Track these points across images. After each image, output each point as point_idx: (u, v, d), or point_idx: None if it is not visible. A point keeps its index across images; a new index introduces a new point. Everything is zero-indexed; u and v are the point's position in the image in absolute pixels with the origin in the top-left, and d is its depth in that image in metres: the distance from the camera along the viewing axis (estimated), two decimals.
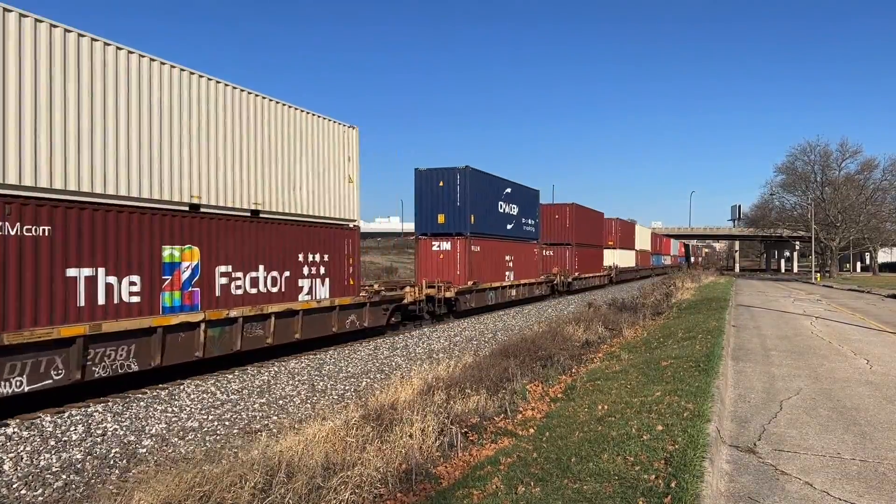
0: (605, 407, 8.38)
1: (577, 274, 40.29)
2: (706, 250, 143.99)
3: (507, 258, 29.91)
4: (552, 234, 39.17)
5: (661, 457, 6.01)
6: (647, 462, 5.91)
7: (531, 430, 7.90)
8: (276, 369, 14.14)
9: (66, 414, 10.11)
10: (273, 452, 6.83)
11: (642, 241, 66.78)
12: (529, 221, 33.31)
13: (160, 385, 12.28)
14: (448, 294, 24.19)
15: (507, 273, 29.81)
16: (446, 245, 25.42)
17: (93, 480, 7.68)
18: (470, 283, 25.34)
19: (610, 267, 50.88)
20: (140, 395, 11.50)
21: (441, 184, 25.43)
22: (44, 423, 9.61)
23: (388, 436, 7.51)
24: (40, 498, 7.20)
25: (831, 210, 62.94)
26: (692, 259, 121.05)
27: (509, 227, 30.38)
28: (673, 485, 5.30)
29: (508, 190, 30.37)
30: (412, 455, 6.94)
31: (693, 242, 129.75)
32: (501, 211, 29.34)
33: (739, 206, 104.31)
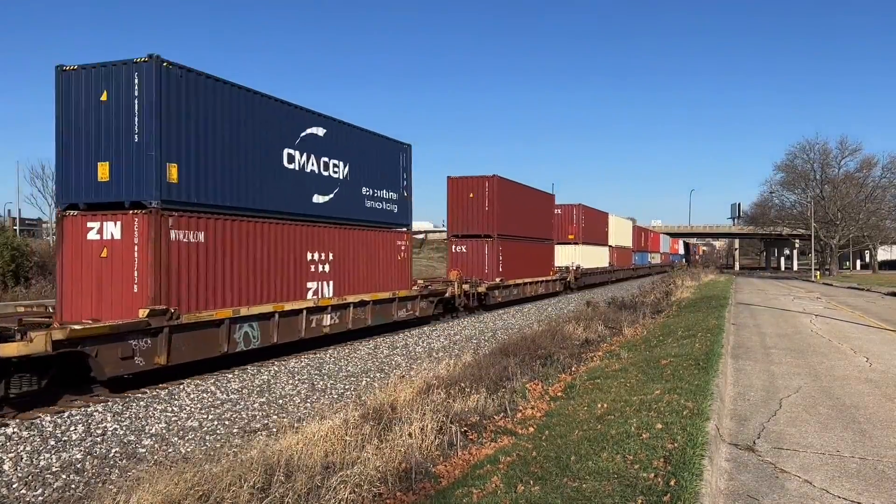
0: (605, 405, 8.38)
1: (499, 280, 28.10)
2: (703, 248, 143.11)
3: (314, 257, 16.25)
4: (464, 221, 28.34)
5: (661, 455, 6.01)
6: (647, 460, 5.90)
7: (531, 429, 7.90)
8: (276, 368, 14.14)
9: (66, 414, 10.11)
10: (273, 452, 6.84)
11: (620, 235, 55.34)
12: (387, 195, 19.98)
13: (160, 384, 12.28)
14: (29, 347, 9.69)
15: (309, 285, 16.01)
16: (114, 228, 12.19)
17: (93, 480, 7.69)
18: (145, 313, 11.55)
19: (566, 268, 39.33)
20: (140, 395, 11.50)
21: (104, 98, 12.40)
22: (43, 422, 9.61)
23: (388, 435, 7.52)
24: (40, 498, 7.20)
25: (831, 208, 62.93)
26: (691, 257, 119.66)
27: (321, 199, 16.72)
28: (672, 483, 5.30)
29: (316, 131, 16.59)
30: (412, 454, 6.94)
31: (693, 241, 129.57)
32: (293, 167, 15.78)
33: (739, 205, 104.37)
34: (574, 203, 42.93)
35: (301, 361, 15.06)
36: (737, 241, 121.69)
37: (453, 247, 28.42)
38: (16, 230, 44.39)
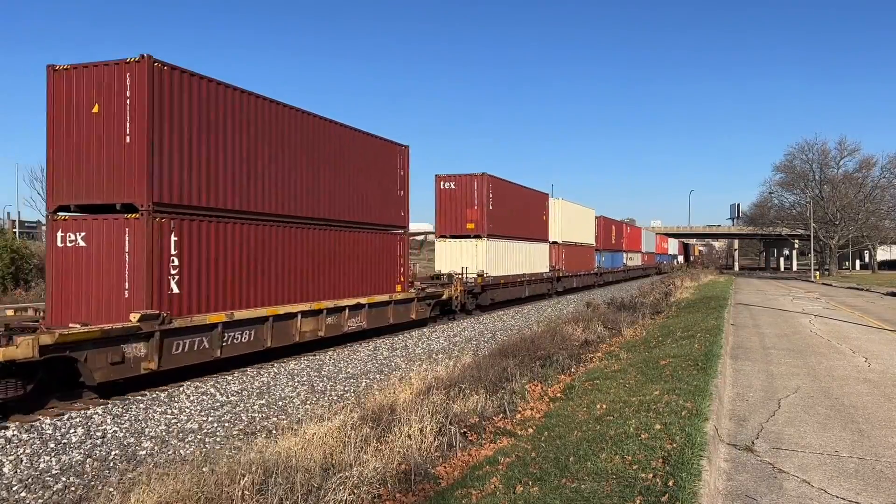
0: (604, 406, 8.40)
1: (152, 317, 11.47)
2: (699, 249, 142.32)
3: None
4: (80, 173, 12.28)
5: (660, 455, 6.02)
6: (645, 461, 5.92)
7: (530, 430, 7.91)
8: (276, 370, 14.15)
9: (66, 416, 10.11)
10: (272, 453, 6.85)
11: (573, 227, 40.94)
12: None
13: (159, 387, 12.28)
14: None
15: None
16: None
17: (93, 483, 7.69)
18: None
19: (447, 278, 25.32)
20: (139, 397, 11.51)
21: None
22: (43, 425, 9.62)
23: (387, 436, 7.53)
24: (40, 500, 7.21)
25: (830, 208, 62.99)
26: (689, 257, 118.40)
27: None
28: (671, 483, 5.31)
29: None
30: (411, 455, 6.95)
31: (693, 241, 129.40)
32: None
33: (738, 205, 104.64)
34: (476, 173, 27.09)
35: (301, 363, 15.08)
36: (736, 242, 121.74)
37: (59, 236, 12.41)
38: (15, 233, 44.36)
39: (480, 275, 26.48)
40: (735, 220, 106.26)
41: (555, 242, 37.03)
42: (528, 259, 32.44)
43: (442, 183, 27.39)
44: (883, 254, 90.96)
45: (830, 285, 46.34)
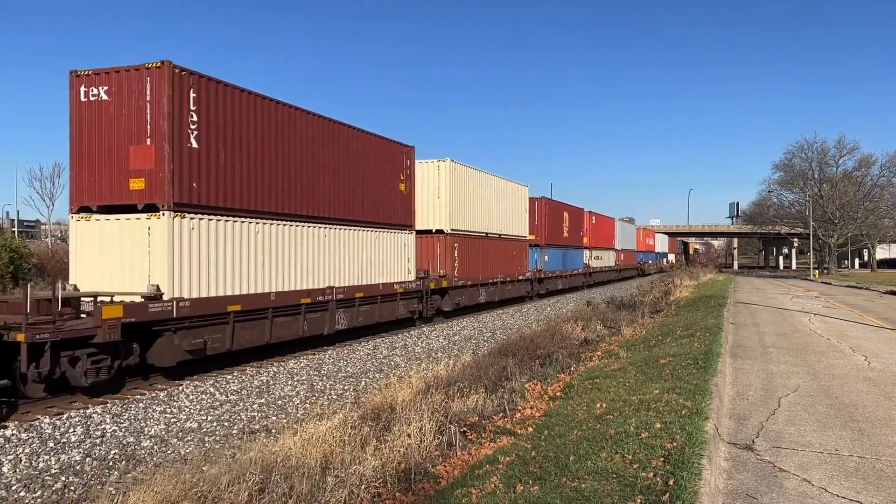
0: (604, 405, 8.38)
1: None
2: (695, 247, 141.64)
3: None
4: None
5: (660, 454, 6.01)
6: (646, 460, 5.91)
7: (530, 429, 7.90)
8: (276, 369, 14.14)
9: (65, 416, 10.10)
10: (271, 452, 6.84)
11: (488, 213, 27.90)
12: None
13: (158, 386, 12.27)
14: None
15: None
16: None
17: (92, 482, 7.68)
18: None
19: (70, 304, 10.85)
20: (139, 396, 11.50)
21: None
22: (42, 424, 9.61)
23: (387, 435, 7.52)
24: (39, 500, 7.20)
25: (829, 207, 62.99)
26: (688, 257, 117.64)
27: None
28: (671, 482, 5.30)
29: None
30: (411, 454, 6.95)
31: (692, 240, 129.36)
32: None
33: (738, 204, 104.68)
34: (154, 62, 11.70)
35: (300, 362, 15.07)
36: (735, 241, 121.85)
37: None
38: (14, 232, 44.16)
39: (153, 297, 11.71)
40: (734, 219, 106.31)
41: (438, 231, 23.91)
42: (345, 261, 17.68)
43: (84, 89, 12.54)
44: (882, 252, 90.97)
45: (829, 284, 46.37)
